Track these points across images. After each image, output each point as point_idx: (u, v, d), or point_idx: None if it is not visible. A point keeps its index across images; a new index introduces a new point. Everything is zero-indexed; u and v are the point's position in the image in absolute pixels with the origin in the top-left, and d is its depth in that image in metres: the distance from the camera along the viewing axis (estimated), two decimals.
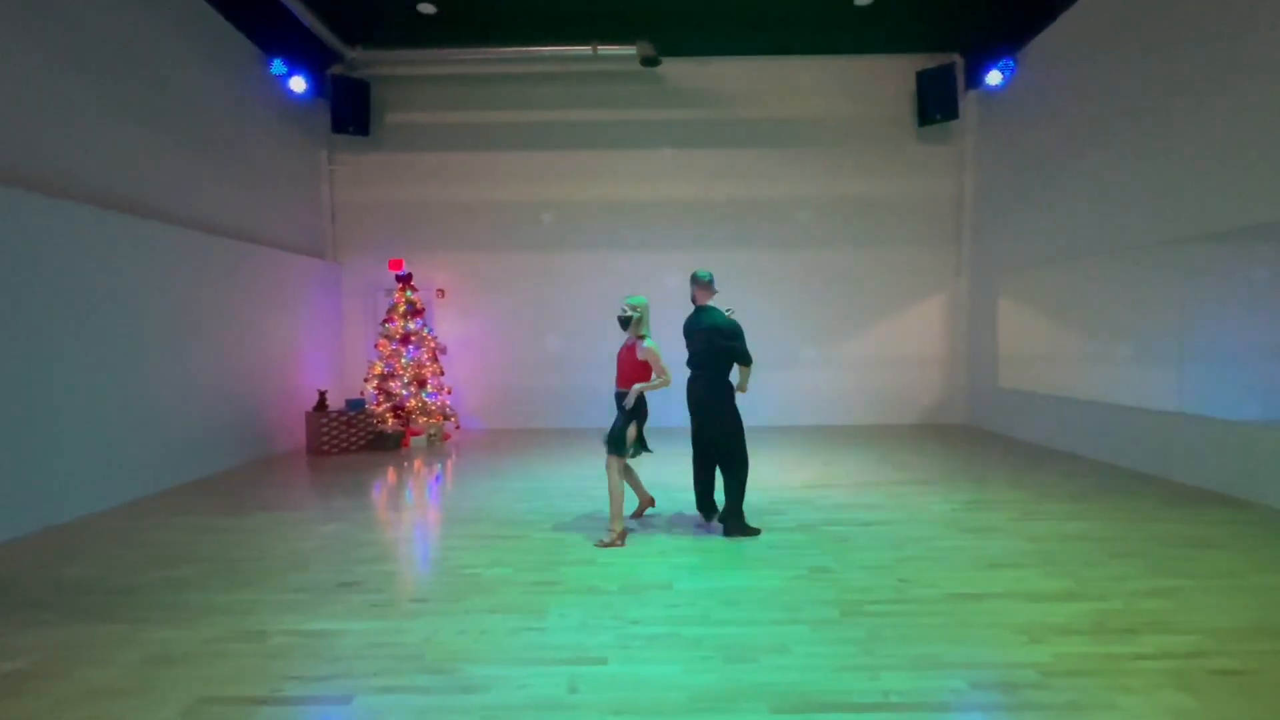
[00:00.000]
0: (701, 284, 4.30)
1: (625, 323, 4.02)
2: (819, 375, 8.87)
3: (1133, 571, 3.42)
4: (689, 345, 4.26)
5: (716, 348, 4.10)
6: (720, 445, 4.17)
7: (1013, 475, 5.71)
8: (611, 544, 3.88)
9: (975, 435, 7.94)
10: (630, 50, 7.91)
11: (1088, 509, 4.60)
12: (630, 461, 4.20)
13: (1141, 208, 5.83)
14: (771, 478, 5.66)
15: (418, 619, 2.96)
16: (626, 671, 2.49)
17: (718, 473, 4.28)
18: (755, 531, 4.09)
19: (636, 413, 4.00)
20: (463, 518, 4.77)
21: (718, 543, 3.97)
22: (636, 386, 3.95)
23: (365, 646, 2.70)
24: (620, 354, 4.08)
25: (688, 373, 4.26)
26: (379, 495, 5.35)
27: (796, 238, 8.80)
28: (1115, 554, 3.69)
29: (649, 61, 8.03)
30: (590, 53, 7.95)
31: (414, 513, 4.90)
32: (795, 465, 6.24)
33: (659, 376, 3.94)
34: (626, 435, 3.95)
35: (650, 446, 4.18)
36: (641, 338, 3.98)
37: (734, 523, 4.09)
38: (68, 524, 4.53)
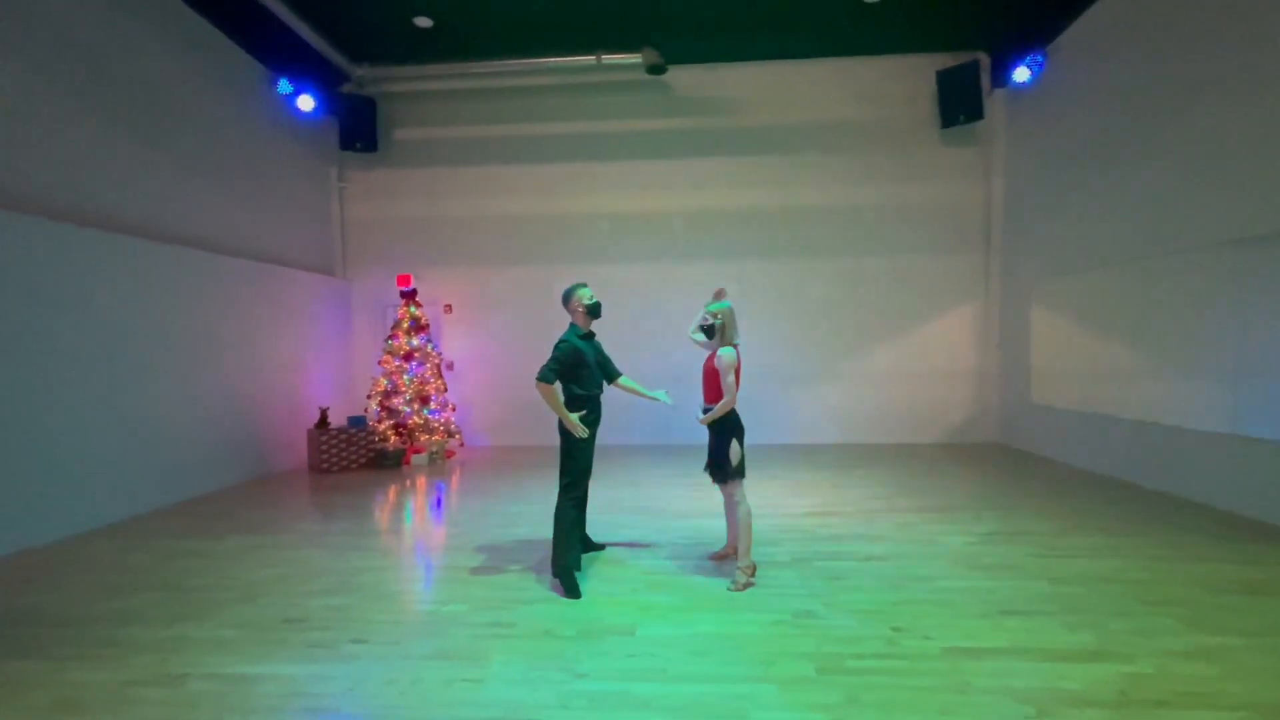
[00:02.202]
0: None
1: (710, 331, 3.58)
2: (837, 391, 8.42)
3: (1169, 625, 2.95)
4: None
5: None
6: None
7: (1041, 503, 5.20)
8: (746, 585, 3.46)
9: (1006, 455, 7.38)
10: (635, 59, 7.72)
11: (1123, 544, 4.10)
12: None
13: (1188, 207, 5.29)
14: (773, 503, 5.28)
15: (351, 663, 2.72)
16: None
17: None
18: (575, 592, 3.43)
19: (734, 430, 3.53)
20: (437, 545, 4.56)
21: (700, 580, 3.63)
22: (712, 413, 3.53)
23: (283, 696, 2.48)
24: (706, 367, 3.61)
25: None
26: (360, 519, 5.18)
27: (812, 248, 8.42)
28: (1150, 601, 3.22)
29: (655, 69, 7.83)
30: (595, 62, 7.79)
31: (389, 538, 4.69)
32: (802, 489, 5.83)
33: (726, 394, 3.44)
34: (732, 455, 3.49)
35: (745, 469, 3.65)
36: (730, 345, 3.54)
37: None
38: (48, 545, 4.48)
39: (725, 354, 3.47)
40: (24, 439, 4.45)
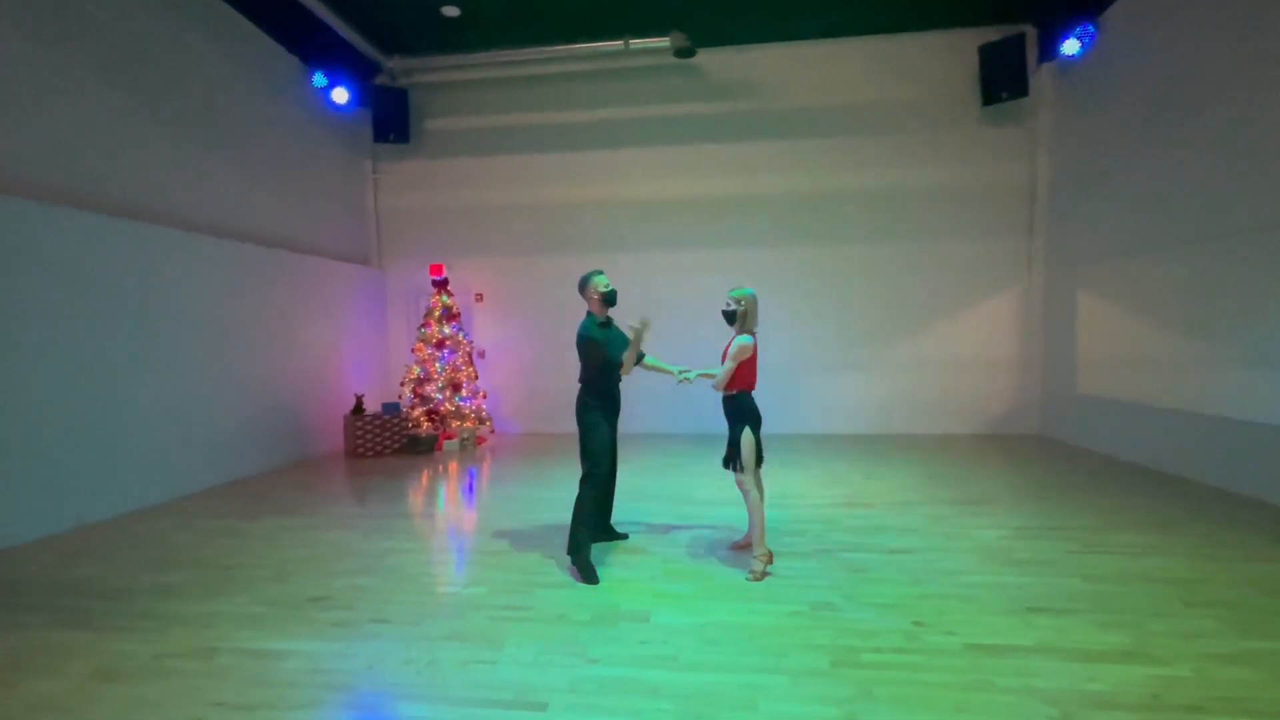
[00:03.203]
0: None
1: (730, 317, 3.57)
2: (871, 379, 8.22)
3: (1212, 627, 2.80)
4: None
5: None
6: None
7: (1083, 496, 4.99)
8: (763, 575, 3.44)
9: (1047, 448, 7.10)
10: (664, 42, 7.62)
11: (1168, 542, 3.90)
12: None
13: (1246, 188, 4.95)
14: (801, 493, 5.21)
15: (371, 642, 2.80)
16: None
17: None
18: (592, 577, 3.44)
19: (748, 418, 3.50)
20: (462, 528, 4.65)
21: (719, 569, 3.61)
22: (694, 372, 3.70)
23: (305, 672, 2.56)
24: (726, 352, 3.58)
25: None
26: (391, 503, 5.31)
27: (847, 232, 8.20)
28: (1193, 602, 3.05)
29: (683, 53, 7.71)
30: (622, 48, 7.72)
31: (417, 522, 4.80)
32: (831, 479, 5.73)
33: (721, 374, 3.48)
34: (744, 446, 3.46)
35: (764, 455, 3.65)
36: (749, 333, 3.52)
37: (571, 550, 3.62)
38: (102, 523, 4.73)
39: (743, 341, 3.44)
40: (82, 424, 4.70)
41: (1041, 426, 7.92)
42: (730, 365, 3.46)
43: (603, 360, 3.59)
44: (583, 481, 3.66)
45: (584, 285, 3.73)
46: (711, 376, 3.68)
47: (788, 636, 2.79)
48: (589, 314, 3.74)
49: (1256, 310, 4.83)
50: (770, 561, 3.51)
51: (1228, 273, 5.12)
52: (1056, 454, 6.73)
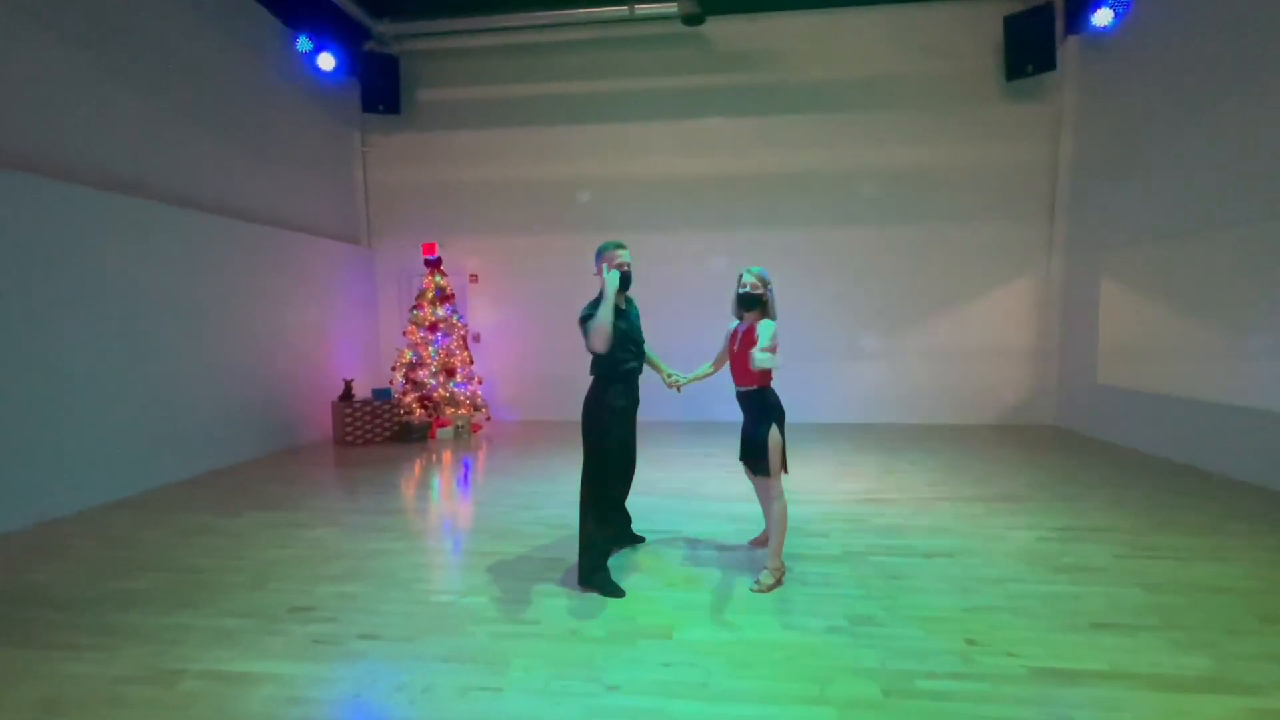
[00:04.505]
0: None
1: (751, 302, 3.14)
2: (883, 367, 7.92)
3: None
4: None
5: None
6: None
7: (1114, 492, 4.71)
8: (773, 587, 3.11)
9: (1065, 439, 6.83)
10: (671, 8, 7.19)
11: (1223, 546, 3.62)
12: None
13: None
14: (818, 487, 4.90)
15: (357, 663, 2.47)
16: None
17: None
18: (615, 591, 3.06)
19: (772, 414, 3.13)
20: (458, 526, 4.31)
21: (742, 576, 3.28)
22: (685, 377, 3.43)
23: (281, 701, 2.23)
24: (734, 341, 3.23)
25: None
26: (382, 496, 4.97)
27: (860, 213, 7.84)
28: (1269, 617, 2.77)
29: (692, 20, 7.27)
30: (627, 13, 7.28)
31: (409, 518, 4.45)
32: (848, 472, 5.43)
33: (759, 359, 2.87)
34: (771, 448, 3.07)
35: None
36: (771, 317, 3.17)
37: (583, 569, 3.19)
38: (65, 518, 4.36)
39: (770, 327, 3.05)
40: (42, 410, 4.31)
41: (1058, 417, 7.65)
42: (772, 351, 2.95)
43: (616, 342, 3.16)
44: (587, 495, 3.19)
45: (601, 254, 3.24)
46: (702, 379, 3.49)
47: (829, 657, 2.48)
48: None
49: None
50: (782, 576, 3.19)
51: (1258, 259, 4.82)
52: (1075, 446, 6.46)
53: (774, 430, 3.10)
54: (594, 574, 3.13)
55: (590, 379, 3.32)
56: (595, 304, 3.14)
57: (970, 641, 2.59)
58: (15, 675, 2.40)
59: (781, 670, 2.40)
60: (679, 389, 3.53)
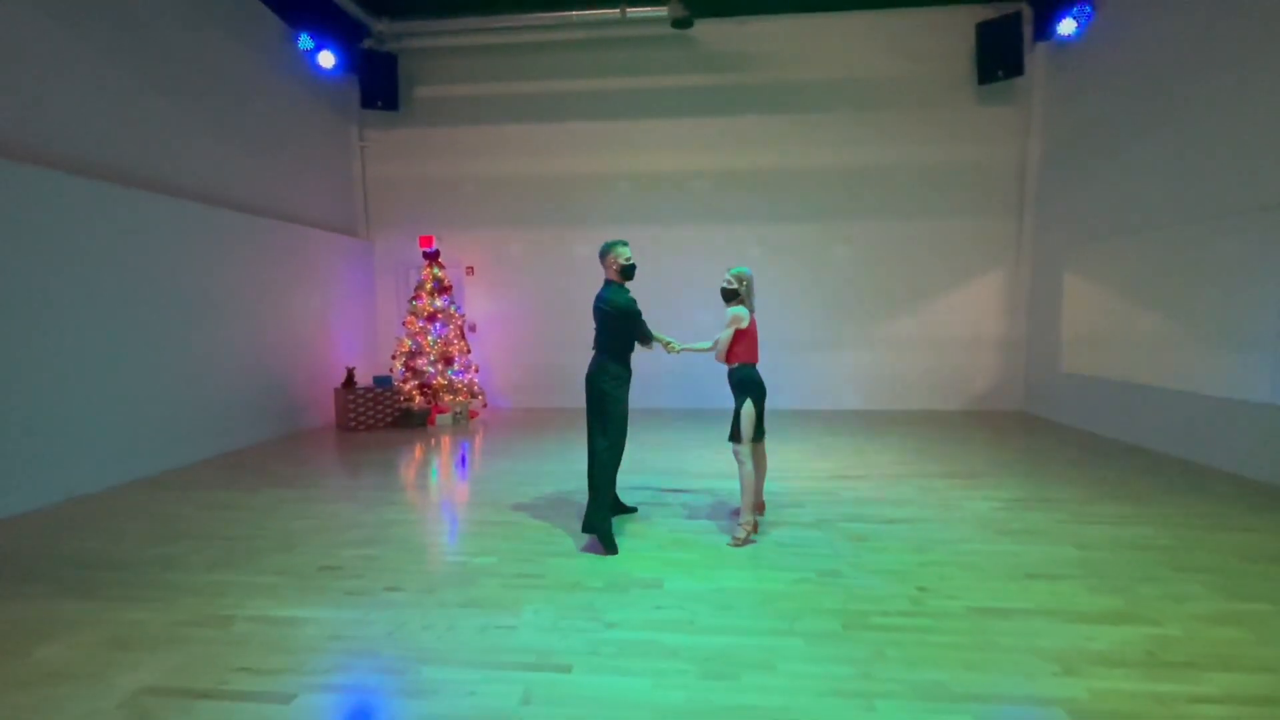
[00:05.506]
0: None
1: (730, 295, 3.65)
2: (859, 356, 8.34)
3: (1199, 591, 2.94)
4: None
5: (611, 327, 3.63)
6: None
7: (1068, 470, 5.15)
8: (745, 541, 3.54)
9: (1031, 424, 7.29)
10: (661, 11, 7.49)
11: (1153, 512, 4.06)
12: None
13: (1237, 169, 5.07)
14: (795, 466, 5.30)
15: (387, 609, 2.82)
16: (589, 682, 2.26)
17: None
18: (611, 544, 3.48)
19: (750, 390, 3.58)
20: (463, 500, 4.66)
21: (725, 537, 3.66)
22: (679, 345, 3.80)
23: (326, 638, 2.58)
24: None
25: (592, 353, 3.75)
26: (389, 475, 5.30)
27: (839, 209, 8.23)
28: (1180, 568, 3.20)
29: (681, 23, 7.58)
30: (619, 16, 7.57)
31: (417, 494, 4.80)
32: (823, 453, 5.84)
33: (714, 340, 3.69)
34: (744, 418, 3.55)
35: (765, 428, 3.73)
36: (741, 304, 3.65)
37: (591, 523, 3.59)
38: (92, 495, 4.65)
39: (735, 311, 3.58)
40: (67, 394, 4.58)
41: (1025, 403, 8.12)
42: (727, 334, 3.58)
43: (640, 335, 3.64)
44: (603, 453, 3.58)
45: (606, 252, 3.67)
46: (700, 350, 3.86)
47: (798, 601, 2.87)
48: (610, 283, 3.66)
49: (1237, 292, 4.98)
50: (755, 530, 3.63)
51: (1208, 255, 5.26)
52: (1040, 430, 6.92)
53: (748, 403, 3.55)
54: (599, 522, 3.52)
55: (593, 354, 3.68)
56: (622, 295, 3.60)
57: (920, 589, 2.98)
58: (85, 622, 2.72)
59: (757, 611, 2.78)
60: (675, 351, 3.90)
